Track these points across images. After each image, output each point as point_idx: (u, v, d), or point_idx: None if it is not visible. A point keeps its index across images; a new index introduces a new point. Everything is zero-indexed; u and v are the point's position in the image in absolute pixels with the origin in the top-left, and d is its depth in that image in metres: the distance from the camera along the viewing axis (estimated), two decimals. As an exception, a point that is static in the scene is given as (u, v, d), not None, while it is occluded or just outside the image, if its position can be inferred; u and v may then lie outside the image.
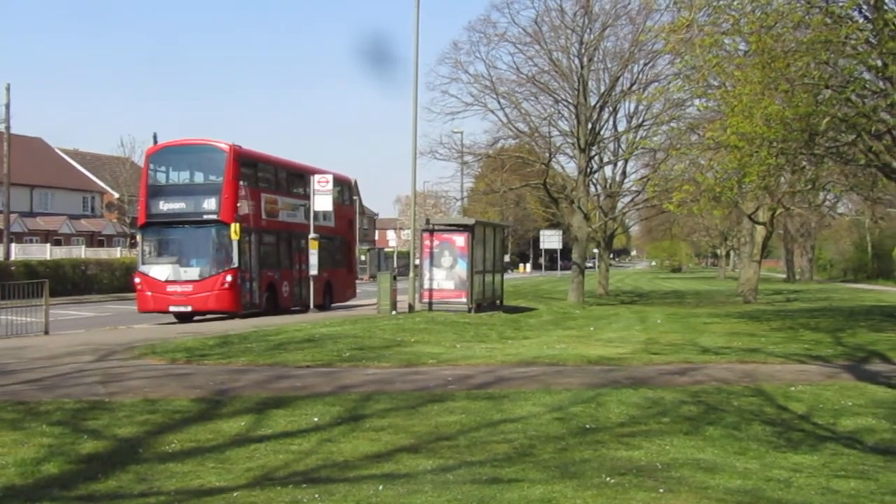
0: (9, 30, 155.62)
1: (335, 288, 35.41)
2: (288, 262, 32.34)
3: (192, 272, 28.09)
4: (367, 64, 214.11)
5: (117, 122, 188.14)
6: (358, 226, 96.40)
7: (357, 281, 40.95)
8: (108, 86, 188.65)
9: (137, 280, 28.62)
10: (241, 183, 28.91)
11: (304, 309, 32.40)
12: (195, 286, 27.78)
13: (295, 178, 33.97)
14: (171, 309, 28.14)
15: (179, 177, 30.20)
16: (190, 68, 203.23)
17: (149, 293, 28.14)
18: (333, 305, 34.93)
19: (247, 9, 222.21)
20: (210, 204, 28.28)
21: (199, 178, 30.16)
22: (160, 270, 28.25)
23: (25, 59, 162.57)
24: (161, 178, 29.90)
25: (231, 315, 28.63)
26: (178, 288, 27.83)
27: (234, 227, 27.47)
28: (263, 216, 30.30)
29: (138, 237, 29.89)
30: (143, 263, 28.70)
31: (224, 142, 28.80)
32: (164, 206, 28.76)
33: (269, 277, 30.57)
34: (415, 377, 14.78)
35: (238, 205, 28.29)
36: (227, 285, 27.78)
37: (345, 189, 38.35)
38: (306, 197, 33.10)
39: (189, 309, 28.07)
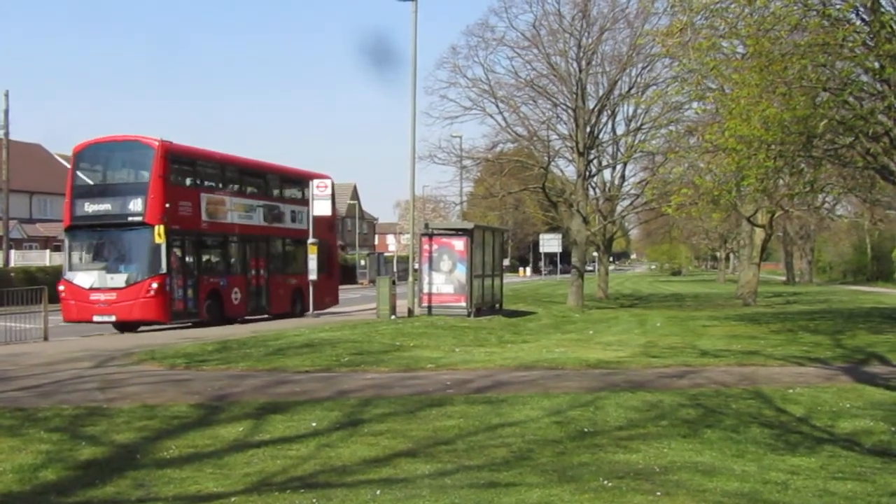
0: (8, 34, 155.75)
1: (309, 294, 32.85)
2: (241, 268, 30.50)
3: (119, 279, 26.17)
4: (366, 68, 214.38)
5: (119, 127, 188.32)
6: (357, 230, 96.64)
7: (358, 285, 40.65)
8: (109, 90, 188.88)
9: (61, 288, 26.58)
10: (174, 182, 27.19)
11: (277, 317, 31.48)
12: (119, 294, 25.86)
13: (250, 177, 32.22)
14: (95, 319, 26.12)
15: (106, 176, 28.03)
16: (191, 72, 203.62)
17: (72, 302, 26.35)
18: (309, 313, 32.68)
19: (247, 13, 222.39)
20: (136, 205, 26.33)
21: (125, 177, 28.03)
22: (85, 278, 26.46)
23: (25, 65, 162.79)
24: (87, 177, 27.80)
25: (160, 324, 27.25)
26: (101, 296, 25.95)
27: (158, 230, 25.66)
28: (204, 217, 28.24)
29: (65, 241, 27.76)
30: (69, 270, 26.78)
31: (154, 137, 26.86)
32: (90, 207, 26.83)
33: (212, 284, 28.60)
34: (413, 382, 14.78)
35: (167, 205, 26.24)
36: (152, 293, 25.72)
37: None
38: (268, 197, 32.09)
39: (113, 318, 26.17)
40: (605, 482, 8.11)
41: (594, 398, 12.77)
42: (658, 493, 7.74)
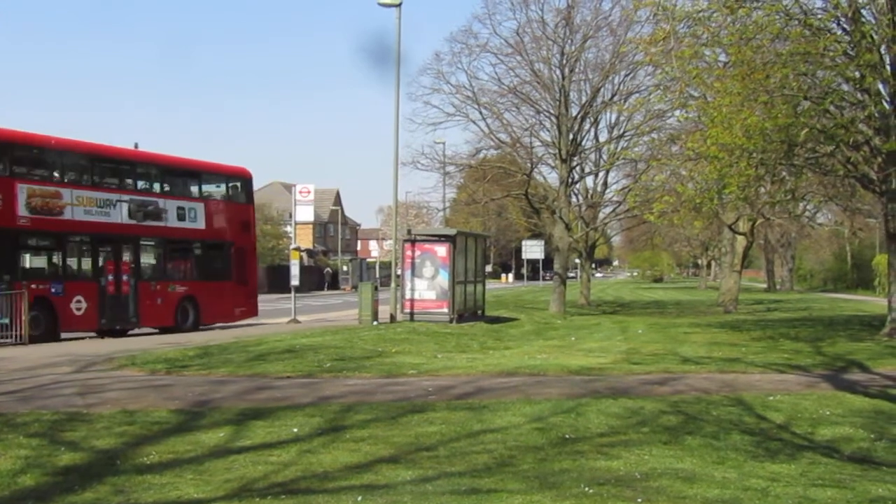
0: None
1: (206, 304, 29.59)
2: (90, 272, 26.34)
3: None
4: (349, 74, 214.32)
5: (96, 132, 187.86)
6: (340, 236, 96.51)
7: (341, 291, 39.74)
8: (86, 95, 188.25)
9: None
10: None
11: (165, 330, 27.91)
12: None
13: (109, 167, 27.90)
14: None
15: None
16: (173, 77, 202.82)
17: None
18: (205, 326, 29.64)
19: (231, 18, 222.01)
20: None
21: None
22: None
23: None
24: None
25: None
26: None
27: None
28: (24, 212, 23.92)
29: None
30: None
31: None
32: None
33: (39, 291, 24.17)
34: (395, 388, 14.77)
35: None
36: None
37: (236, 184, 32.56)
38: (138, 191, 28.08)
39: None
40: (587, 489, 8.11)
41: (576, 405, 12.78)
42: (639, 500, 7.74)
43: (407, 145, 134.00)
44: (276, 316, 35.36)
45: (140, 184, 28.71)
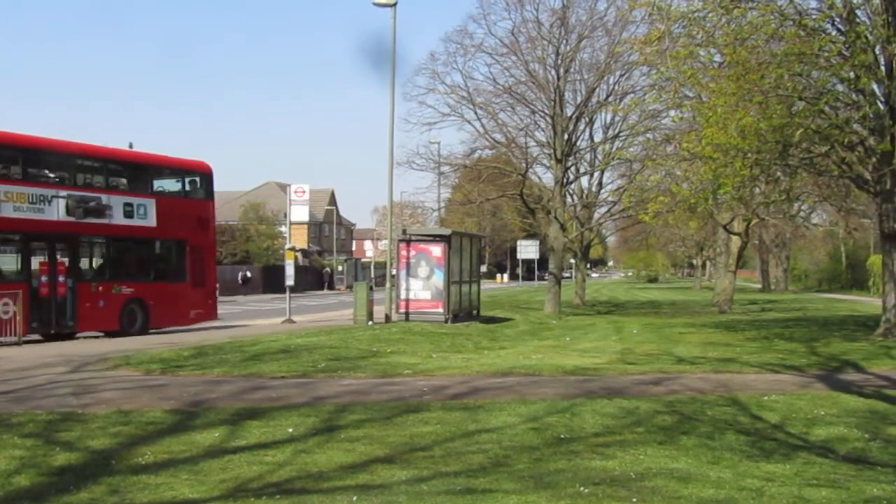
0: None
1: (156, 307, 27.80)
2: (20, 274, 24.54)
3: None
4: (344, 75, 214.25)
5: (90, 132, 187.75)
6: (335, 236, 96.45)
7: (336, 291, 39.24)
8: (81, 95, 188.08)
9: None
10: None
11: (113, 334, 26.16)
12: None
13: (41, 161, 25.82)
14: None
15: None
16: (169, 76, 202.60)
17: None
18: (155, 329, 27.92)
19: (227, 17, 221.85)
20: None
21: None
22: None
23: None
24: None
25: None
26: None
27: None
28: None
29: None
30: None
31: None
32: None
33: None
34: (390, 388, 14.76)
35: None
36: None
37: (194, 179, 30.99)
38: (78, 186, 26.14)
39: None
40: (582, 489, 8.12)
41: (571, 405, 12.79)
42: (634, 500, 7.75)
43: (402, 145, 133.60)
44: (271, 316, 35.37)
45: (81, 178, 26.75)
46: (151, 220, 27.74)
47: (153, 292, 27.90)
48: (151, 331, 27.46)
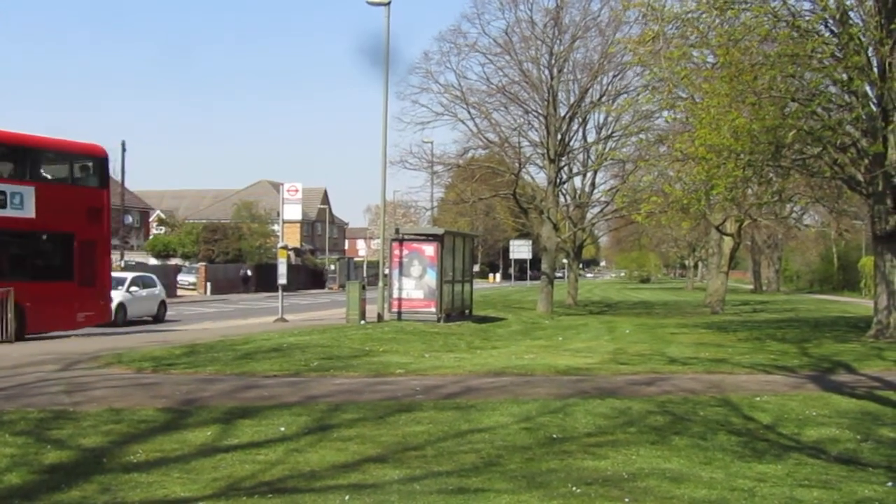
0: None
1: (34, 309, 24.42)
2: None
3: None
4: (338, 74, 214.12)
5: (86, 131, 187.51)
6: (327, 235, 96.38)
7: (327, 290, 38.83)
8: (77, 94, 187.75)
9: None
10: None
11: None
12: None
13: None
14: None
15: None
16: (160, 76, 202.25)
17: None
18: (32, 334, 24.55)
19: (221, 20, 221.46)
20: None
21: None
22: None
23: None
24: None
25: None
26: None
27: None
28: None
29: None
30: None
31: None
32: None
33: None
34: (383, 387, 14.75)
35: None
36: None
37: (86, 164, 27.66)
38: None
39: None
40: (574, 488, 8.12)
41: (563, 405, 12.79)
42: (626, 500, 7.75)
43: (395, 144, 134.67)
44: (263, 315, 35.36)
45: None
46: (30, 211, 24.32)
47: (30, 293, 24.18)
48: (28, 336, 24.12)
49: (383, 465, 9.04)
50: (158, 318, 34.84)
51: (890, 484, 8.59)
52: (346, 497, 7.76)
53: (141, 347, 20.51)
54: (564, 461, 9.34)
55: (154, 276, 37.82)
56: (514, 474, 8.72)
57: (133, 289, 33.69)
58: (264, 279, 64.05)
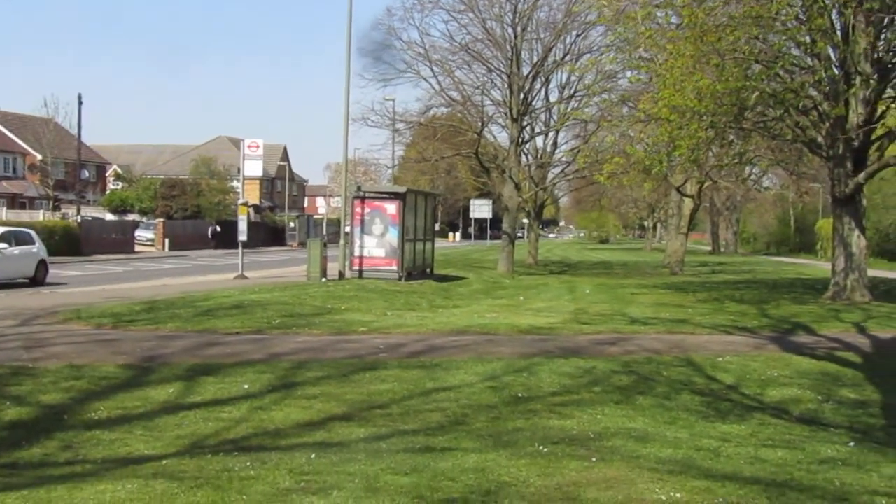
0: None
1: None
2: None
3: None
4: (298, 31, 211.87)
5: (37, 81, 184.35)
6: (287, 192, 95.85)
7: (287, 247, 38.11)
8: (27, 44, 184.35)
9: None
10: None
11: None
12: None
13: None
14: None
15: None
16: (123, 35, 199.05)
17: None
18: None
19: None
20: None
21: None
22: None
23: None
24: None
25: None
26: None
27: None
28: None
29: None
30: None
31: None
32: None
33: None
34: (346, 345, 14.70)
35: None
36: None
37: None
38: None
39: None
40: (541, 447, 8.12)
41: (528, 364, 12.81)
42: (593, 460, 7.76)
43: (357, 101, 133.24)
44: (223, 272, 35.05)
45: None
46: None
47: None
48: None
49: (349, 424, 8.99)
50: (37, 280, 29.29)
51: (852, 444, 8.68)
52: (313, 455, 7.70)
53: (99, 304, 20.27)
54: (530, 420, 9.35)
55: (32, 233, 31.44)
56: (481, 433, 8.71)
57: (1, 245, 28.15)
58: (224, 236, 63.59)
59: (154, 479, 6.88)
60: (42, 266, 30.04)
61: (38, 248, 30.35)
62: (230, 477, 6.97)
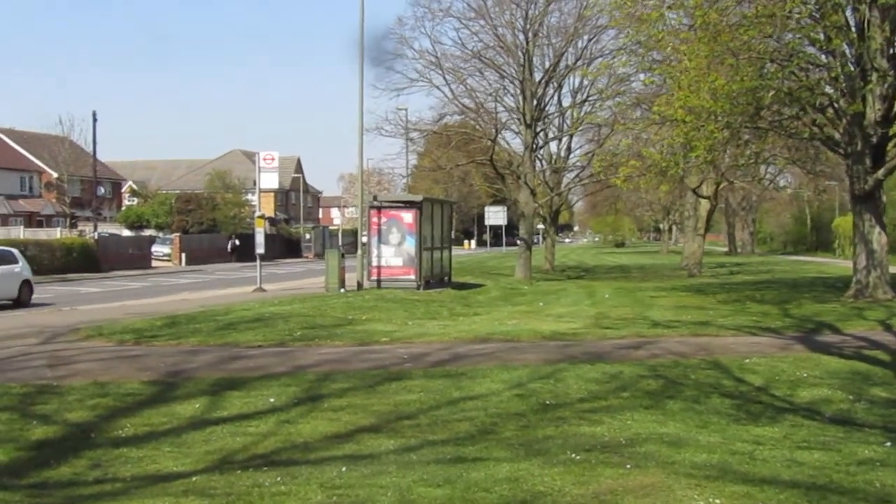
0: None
1: None
2: None
3: None
4: (312, 42, 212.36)
5: (48, 99, 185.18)
6: (302, 204, 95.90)
7: (303, 259, 38.12)
8: (41, 61, 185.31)
9: None
10: None
11: None
12: None
13: None
14: None
15: None
16: (132, 42, 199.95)
17: None
18: None
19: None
20: None
21: None
22: None
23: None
24: None
25: None
26: None
27: None
28: None
29: None
30: None
31: None
32: None
33: None
34: (369, 356, 14.63)
35: None
36: None
37: None
38: None
39: None
40: (574, 455, 8.01)
41: (554, 370, 12.71)
42: (628, 466, 7.65)
43: (370, 111, 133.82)
44: (241, 285, 35.07)
45: None
46: None
47: None
48: None
49: (377, 435, 8.92)
50: (21, 301, 27.18)
51: (888, 444, 8.55)
52: (343, 468, 7.62)
53: (120, 320, 20.26)
54: (560, 427, 9.25)
55: (14, 251, 29.23)
56: (511, 442, 8.62)
57: None
58: (240, 249, 63.79)
59: (185, 497, 6.83)
60: (26, 286, 27.98)
61: (21, 268, 28.19)
62: (261, 493, 6.90)
